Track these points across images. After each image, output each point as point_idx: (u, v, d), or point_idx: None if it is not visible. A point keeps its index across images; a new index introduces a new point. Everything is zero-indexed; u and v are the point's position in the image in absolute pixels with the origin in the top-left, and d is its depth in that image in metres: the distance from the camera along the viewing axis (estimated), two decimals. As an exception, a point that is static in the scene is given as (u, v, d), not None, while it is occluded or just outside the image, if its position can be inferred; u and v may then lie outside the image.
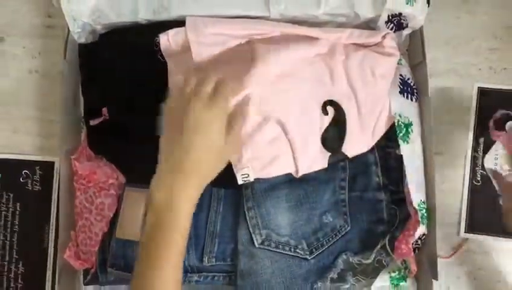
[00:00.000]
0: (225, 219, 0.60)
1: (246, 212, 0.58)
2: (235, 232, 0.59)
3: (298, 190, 0.60)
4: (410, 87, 0.62)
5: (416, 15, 0.59)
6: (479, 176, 0.64)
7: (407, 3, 0.59)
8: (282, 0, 0.59)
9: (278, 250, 0.58)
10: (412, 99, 0.62)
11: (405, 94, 0.62)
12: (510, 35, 0.65)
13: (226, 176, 0.60)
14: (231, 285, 0.60)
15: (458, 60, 0.65)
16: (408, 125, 0.61)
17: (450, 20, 0.65)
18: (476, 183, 0.64)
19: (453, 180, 0.64)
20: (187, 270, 0.60)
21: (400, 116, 0.60)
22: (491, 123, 0.65)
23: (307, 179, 0.60)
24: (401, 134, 0.60)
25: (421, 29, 0.61)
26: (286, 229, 0.59)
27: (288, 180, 0.59)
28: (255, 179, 0.58)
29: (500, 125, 0.64)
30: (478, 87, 0.65)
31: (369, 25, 0.62)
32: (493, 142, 0.64)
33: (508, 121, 0.64)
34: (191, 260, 0.59)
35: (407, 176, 0.59)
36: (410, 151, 0.60)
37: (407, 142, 0.60)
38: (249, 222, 0.58)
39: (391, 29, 0.61)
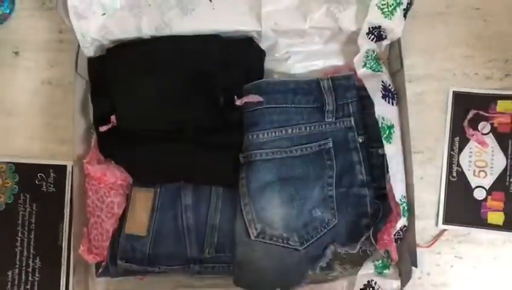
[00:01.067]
0: (224, 214, 0.65)
1: (243, 208, 0.63)
2: (233, 226, 0.64)
3: (289, 188, 0.65)
4: (391, 93, 0.67)
5: (394, 27, 0.64)
6: (454, 172, 0.69)
7: (385, 17, 0.63)
8: (272, 16, 0.64)
9: (271, 242, 0.63)
10: (393, 104, 0.67)
11: (387, 99, 0.66)
12: (481, 43, 0.69)
13: (225, 176, 0.66)
14: (230, 274, 0.64)
15: (434, 66, 0.70)
16: (390, 127, 0.65)
17: (426, 30, 0.70)
18: (452, 178, 0.69)
19: (432, 176, 0.69)
20: (189, 261, 0.65)
21: (383, 118, 0.64)
22: (465, 124, 0.69)
23: (297, 177, 0.65)
24: (384, 135, 0.64)
25: (398, 40, 0.66)
26: (279, 223, 0.64)
27: (280, 179, 0.65)
28: (250, 179, 0.64)
29: (474, 126, 0.68)
30: (453, 91, 0.69)
31: (351, 37, 0.67)
32: (467, 141, 0.69)
33: (480, 121, 0.68)
34: (193, 252, 0.65)
35: (390, 173, 0.63)
36: (394, 151, 0.65)
37: (390, 143, 0.65)
38: (245, 217, 0.63)
39: (372, 40, 0.66)
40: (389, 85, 0.67)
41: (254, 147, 0.65)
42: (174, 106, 0.65)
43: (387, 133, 0.65)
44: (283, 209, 0.64)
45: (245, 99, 0.64)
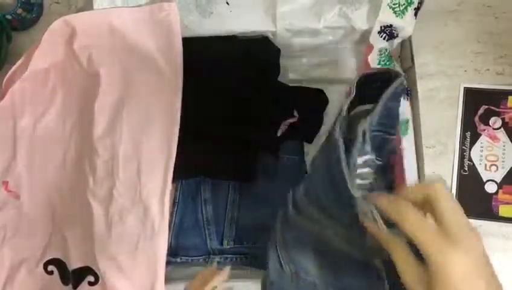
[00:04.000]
0: (241, 208, 0.67)
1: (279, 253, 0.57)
2: (250, 219, 0.66)
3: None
4: (405, 89, 0.69)
5: (405, 26, 0.66)
6: (466, 166, 0.70)
7: (396, 16, 0.65)
8: (287, 16, 0.66)
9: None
10: (407, 100, 0.69)
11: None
12: (492, 40, 0.70)
13: (242, 173, 0.68)
14: (247, 265, 0.67)
15: (446, 62, 0.71)
16: (406, 122, 0.68)
17: (438, 27, 0.71)
18: (463, 172, 0.70)
19: (443, 170, 0.70)
20: (209, 253, 0.68)
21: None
22: (476, 119, 0.70)
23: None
24: (401, 130, 0.67)
25: (409, 38, 0.68)
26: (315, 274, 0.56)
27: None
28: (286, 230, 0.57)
29: (485, 121, 0.70)
30: (464, 87, 0.70)
31: (364, 36, 0.69)
32: (479, 136, 0.70)
33: (491, 116, 0.69)
34: (213, 244, 0.68)
35: (406, 166, 0.65)
36: (409, 144, 0.68)
37: (406, 136, 0.67)
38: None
39: (384, 38, 0.67)
40: (403, 82, 0.69)
41: (291, 203, 0.58)
42: (193, 104, 0.68)
43: (403, 127, 0.67)
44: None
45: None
